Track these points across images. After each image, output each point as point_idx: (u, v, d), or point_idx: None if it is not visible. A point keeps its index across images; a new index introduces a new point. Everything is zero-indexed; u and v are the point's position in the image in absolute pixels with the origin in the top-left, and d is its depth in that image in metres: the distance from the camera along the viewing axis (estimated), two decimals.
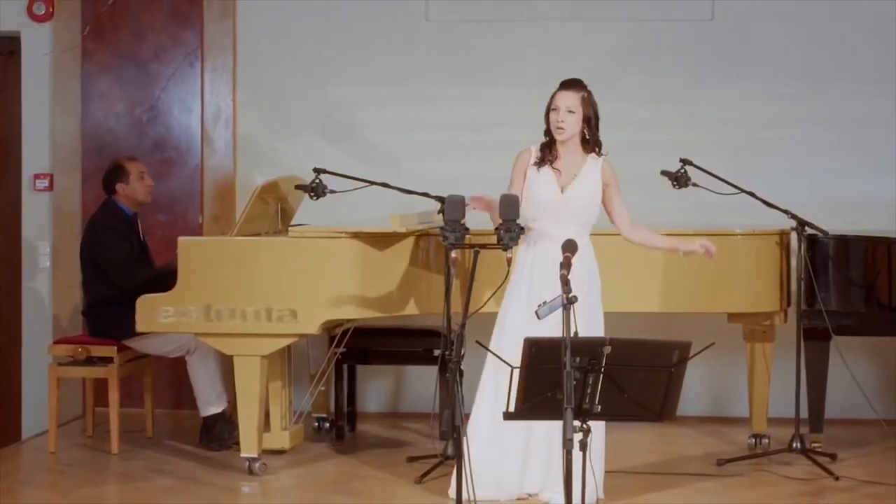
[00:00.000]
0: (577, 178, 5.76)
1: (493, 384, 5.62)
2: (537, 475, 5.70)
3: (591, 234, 6.28)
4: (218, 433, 6.80)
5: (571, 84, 5.78)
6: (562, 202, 5.70)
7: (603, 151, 5.84)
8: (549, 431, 5.52)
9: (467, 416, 5.44)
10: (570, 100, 5.73)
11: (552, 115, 5.74)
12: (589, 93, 5.78)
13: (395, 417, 7.80)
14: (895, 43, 7.67)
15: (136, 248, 7.03)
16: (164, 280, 6.36)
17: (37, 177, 8.01)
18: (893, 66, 7.68)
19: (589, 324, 5.43)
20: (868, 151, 7.73)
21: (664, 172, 6.64)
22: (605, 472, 5.74)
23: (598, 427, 5.04)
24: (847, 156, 7.73)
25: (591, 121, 5.77)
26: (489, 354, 5.61)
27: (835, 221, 6.84)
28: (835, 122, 7.74)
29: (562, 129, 5.71)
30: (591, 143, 5.80)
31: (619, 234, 6.44)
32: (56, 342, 7.14)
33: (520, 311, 5.60)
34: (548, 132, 5.80)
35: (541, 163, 5.78)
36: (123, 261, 6.86)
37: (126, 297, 6.48)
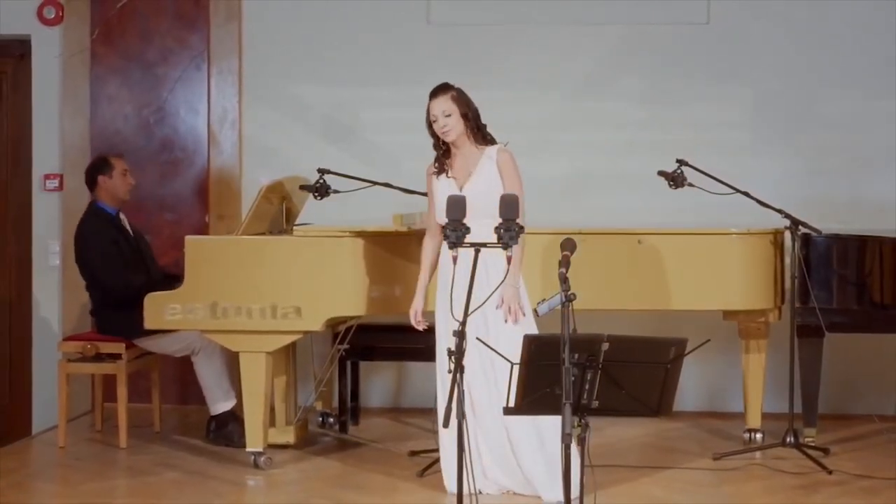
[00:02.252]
0: (472, 175, 5.76)
1: (442, 382, 5.67)
2: (492, 471, 5.73)
3: (589, 234, 6.29)
4: (229, 432, 6.78)
5: (438, 90, 5.81)
6: None
7: (501, 141, 5.82)
8: (476, 437, 5.62)
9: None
10: (442, 104, 5.76)
11: (434, 126, 5.77)
12: (458, 91, 5.79)
13: (397, 413, 7.80)
14: (889, 44, 7.67)
15: (126, 248, 6.99)
16: (163, 285, 6.37)
17: (47, 177, 8.01)
18: (887, 67, 7.68)
19: (512, 323, 5.46)
20: (862, 152, 7.72)
21: (661, 173, 6.64)
22: (604, 466, 5.74)
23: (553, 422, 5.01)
24: (841, 156, 7.73)
25: (468, 115, 5.76)
26: (437, 355, 5.73)
27: (829, 221, 6.85)
28: (829, 124, 7.73)
29: (447, 132, 5.74)
30: (476, 134, 5.78)
31: (616, 234, 6.46)
32: (65, 339, 7.15)
33: (442, 313, 5.67)
34: (436, 144, 5.82)
35: (439, 171, 5.81)
36: (115, 268, 6.83)
37: (132, 299, 6.48)
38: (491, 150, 5.78)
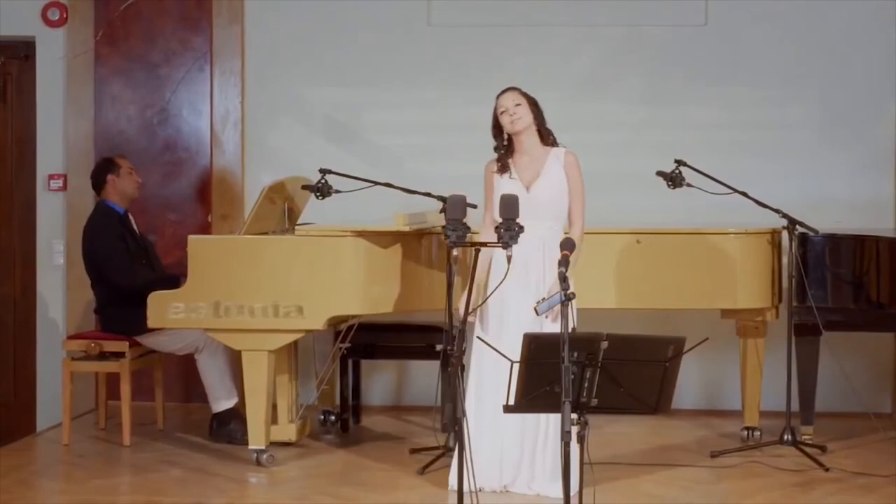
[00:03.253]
0: (540, 176, 5.76)
1: (476, 380, 5.66)
2: (510, 470, 5.71)
3: (588, 233, 6.28)
4: (231, 430, 6.78)
5: (507, 89, 5.85)
6: (529, 200, 5.64)
7: (562, 143, 5.84)
8: (521, 428, 5.56)
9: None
10: (512, 97, 5.80)
11: (504, 117, 5.77)
12: (525, 91, 5.83)
13: (398, 410, 7.80)
14: (886, 45, 7.67)
15: (133, 246, 7.01)
16: (167, 284, 6.37)
17: (51, 177, 8.01)
18: (884, 68, 7.68)
19: (552, 321, 5.48)
20: (857, 152, 7.72)
21: (659, 173, 6.64)
22: (603, 463, 5.76)
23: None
24: (837, 156, 7.73)
25: (537, 109, 5.80)
26: (473, 352, 5.67)
27: (825, 220, 6.85)
28: (825, 124, 7.74)
29: (517, 119, 5.75)
30: (545, 133, 5.80)
31: (615, 234, 6.46)
32: (70, 337, 7.16)
33: (496, 310, 5.65)
34: (500, 145, 5.82)
35: (502, 169, 5.80)
36: (122, 263, 6.85)
37: (136, 296, 6.48)
38: (558, 152, 5.80)
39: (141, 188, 7.22)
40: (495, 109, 5.81)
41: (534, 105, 5.79)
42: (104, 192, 7.08)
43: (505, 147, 5.82)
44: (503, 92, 5.82)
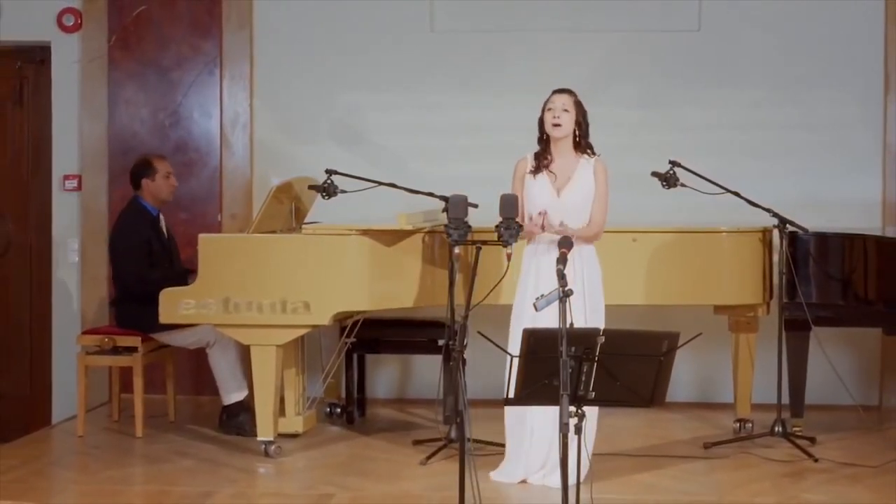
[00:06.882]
0: (571, 181, 5.78)
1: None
2: (537, 461, 5.71)
3: None
4: (240, 422, 6.78)
5: (564, 89, 5.85)
6: (558, 204, 5.72)
7: (596, 151, 5.86)
8: (553, 420, 5.55)
9: (469, 402, 5.44)
10: (565, 99, 5.80)
11: (548, 115, 5.78)
12: (579, 100, 5.83)
13: (401, 403, 7.80)
14: (875, 49, 7.66)
15: (158, 247, 7.00)
16: (178, 281, 6.37)
17: (66, 178, 8.02)
18: (870, 73, 7.68)
19: (587, 317, 5.47)
20: (847, 153, 7.72)
21: (654, 173, 6.64)
22: (600, 454, 5.77)
23: (591, 410, 5.06)
24: (827, 158, 7.73)
25: (581, 124, 5.81)
26: (510, 343, 5.67)
27: (816, 220, 6.85)
28: (815, 126, 7.73)
29: (559, 125, 5.75)
30: (582, 144, 5.81)
31: (612, 232, 6.46)
32: (84, 332, 7.16)
33: (527, 307, 5.64)
34: (541, 138, 5.83)
35: (536, 170, 5.81)
36: (137, 267, 6.81)
37: (150, 294, 6.46)
38: (589, 159, 5.83)
39: (175, 191, 7.19)
40: (545, 103, 5.81)
41: (580, 114, 5.81)
42: (140, 191, 7.07)
43: (543, 143, 5.83)
44: (559, 91, 5.83)
